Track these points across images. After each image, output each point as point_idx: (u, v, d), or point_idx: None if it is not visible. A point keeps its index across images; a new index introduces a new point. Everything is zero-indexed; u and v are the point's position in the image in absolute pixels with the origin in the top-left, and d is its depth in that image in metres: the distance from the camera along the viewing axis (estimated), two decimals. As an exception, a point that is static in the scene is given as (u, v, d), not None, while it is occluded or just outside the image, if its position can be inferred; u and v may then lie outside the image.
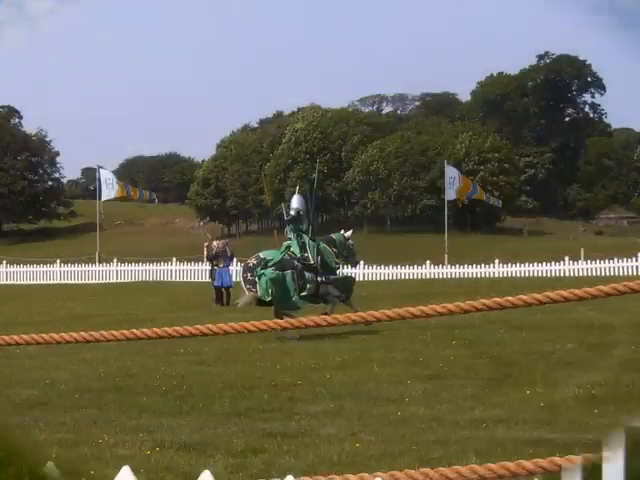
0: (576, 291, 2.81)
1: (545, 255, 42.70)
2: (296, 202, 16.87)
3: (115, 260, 45.05)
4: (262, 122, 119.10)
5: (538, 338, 13.62)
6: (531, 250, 54.28)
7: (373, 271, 40.65)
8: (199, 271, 41.61)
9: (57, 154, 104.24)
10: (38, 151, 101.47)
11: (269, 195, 45.83)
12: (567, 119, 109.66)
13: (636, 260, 38.01)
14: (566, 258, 39.50)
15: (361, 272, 37.40)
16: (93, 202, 68.22)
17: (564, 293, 2.81)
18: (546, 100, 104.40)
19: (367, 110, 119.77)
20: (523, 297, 2.83)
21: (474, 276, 39.61)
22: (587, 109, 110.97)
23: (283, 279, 15.57)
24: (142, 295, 29.43)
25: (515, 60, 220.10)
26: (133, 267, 44.58)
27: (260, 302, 15.76)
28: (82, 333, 2.97)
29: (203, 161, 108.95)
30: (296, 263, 15.89)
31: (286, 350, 13.10)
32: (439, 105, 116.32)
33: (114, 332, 2.98)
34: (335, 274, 16.82)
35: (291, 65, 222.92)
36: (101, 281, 43.05)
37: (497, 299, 2.85)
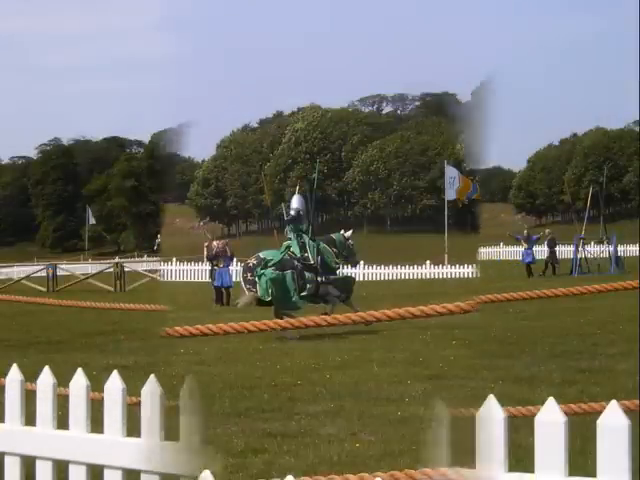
0: (571, 288, 2.82)
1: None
2: (296, 202, 16.87)
3: (115, 260, 45.05)
4: (262, 122, 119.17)
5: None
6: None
7: (373, 271, 40.62)
8: (199, 271, 41.59)
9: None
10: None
11: (269, 195, 45.73)
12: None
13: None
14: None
15: (361, 272, 37.37)
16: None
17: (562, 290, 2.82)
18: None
19: (367, 110, 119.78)
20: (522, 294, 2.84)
21: (474, 276, 39.56)
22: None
23: (283, 279, 15.57)
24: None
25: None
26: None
27: (260, 302, 15.76)
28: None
29: (203, 161, 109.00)
30: (296, 263, 15.89)
31: (286, 350, 13.09)
32: (439, 105, 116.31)
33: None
34: (335, 274, 16.82)
35: (291, 65, 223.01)
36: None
37: (491, 295, 2.85)
